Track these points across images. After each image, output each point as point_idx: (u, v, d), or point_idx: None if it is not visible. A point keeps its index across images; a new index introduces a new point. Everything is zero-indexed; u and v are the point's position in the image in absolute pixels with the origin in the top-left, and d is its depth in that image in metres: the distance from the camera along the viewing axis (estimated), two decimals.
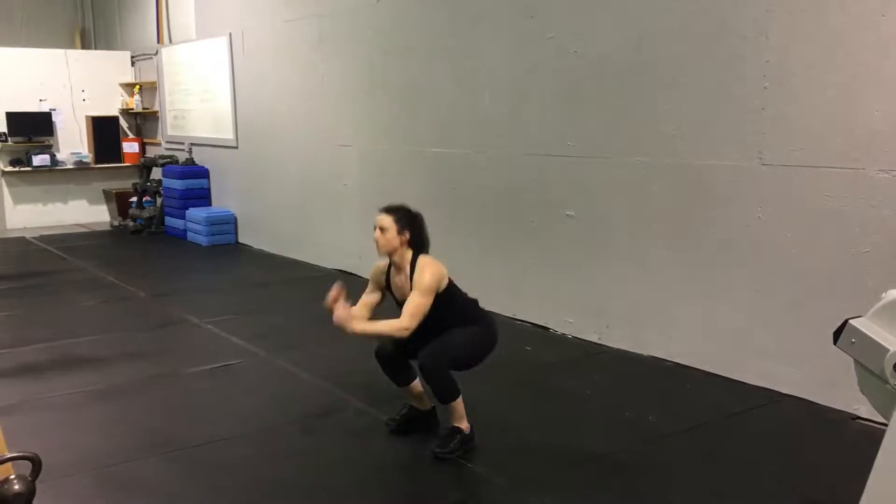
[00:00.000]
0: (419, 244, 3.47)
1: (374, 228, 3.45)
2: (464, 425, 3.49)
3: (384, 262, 3.54)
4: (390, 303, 3.52)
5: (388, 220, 3.43)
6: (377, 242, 3.46)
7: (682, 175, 4.46)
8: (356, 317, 3.37)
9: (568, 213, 5.15)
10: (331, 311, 3.33)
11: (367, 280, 3.65)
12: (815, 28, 3.81)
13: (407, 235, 3.43)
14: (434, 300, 3.34)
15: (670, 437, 3.62)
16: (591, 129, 4.94)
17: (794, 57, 3.90)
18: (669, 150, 4.51)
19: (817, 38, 3.81)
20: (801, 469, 3.29)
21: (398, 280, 3.49)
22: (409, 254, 3.45)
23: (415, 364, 3.49)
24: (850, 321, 2.36)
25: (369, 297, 3.56)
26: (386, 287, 3.54)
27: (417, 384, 3.63)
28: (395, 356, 3.56)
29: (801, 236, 3.96)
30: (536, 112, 5.28)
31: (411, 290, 3.36)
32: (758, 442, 3.56)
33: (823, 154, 3.83)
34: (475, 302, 3.62)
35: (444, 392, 3.42)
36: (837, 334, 2.39)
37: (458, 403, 3.46)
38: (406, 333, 3.28)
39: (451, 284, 3.46)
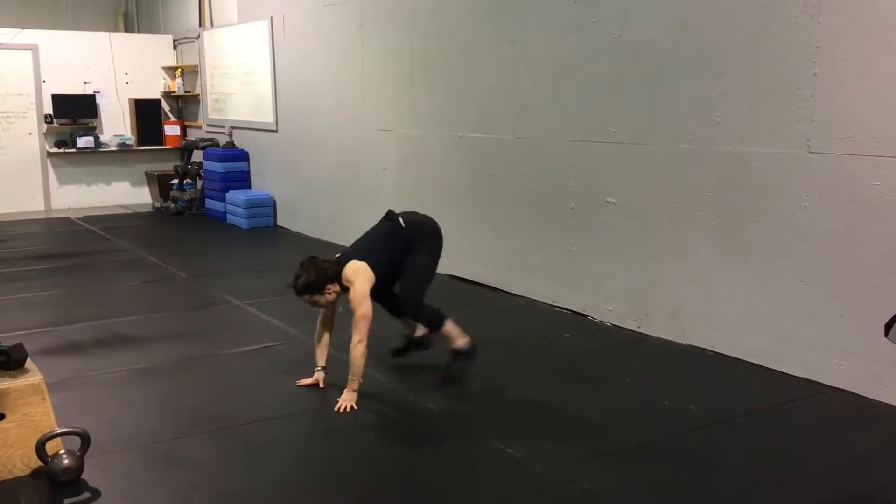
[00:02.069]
0: (333, 277, 3.77)
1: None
2: (460, 344, 4.05)
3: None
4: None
5: (310, 297, 3.79)
6: (324, 308, 3.92)
7: (726, 162, 4.40)
8: (347, 396, 3.77)
9: (609, 199, 5.10)
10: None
11: None
12: (868, 13, 3.72)
13: (332, 287, 3.78)
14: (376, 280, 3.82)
15: (711, 427, 3.59)
16: (634, 115, 4.88)
17: (846, 43, 3.81)
18: (714, 138, 4.44)
19: (870, 24, 3.72)
20: (846, 463, 3.24)
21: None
22: (337, 287, 3.80)
23: None
24: None
25: (325, 315, 4.01)
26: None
27: None
28: (388, 298, 4.12)
29: (849, 226, 3.88)
30: (578, 97, 5.24)
31: (349, 298, 3.77)
32: (801, 434, 3.51)
33: (874, 142, 3.75)
34: (396, 227, 4.04)
35: (431, 322, 4.05)
36: (889, 327, 2.35)
37: (449, 327, 4.04)
38: (363, 343, 3.71)
39: (373, 266, 3.81)
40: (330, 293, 3.79)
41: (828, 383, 4.00)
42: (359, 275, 3.77)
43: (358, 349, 3.71)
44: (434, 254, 4.08)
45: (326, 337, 4.04)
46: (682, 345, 4.71)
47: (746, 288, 4.37)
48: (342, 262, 3.83)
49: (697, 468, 3.20)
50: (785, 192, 4.13)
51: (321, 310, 3.97)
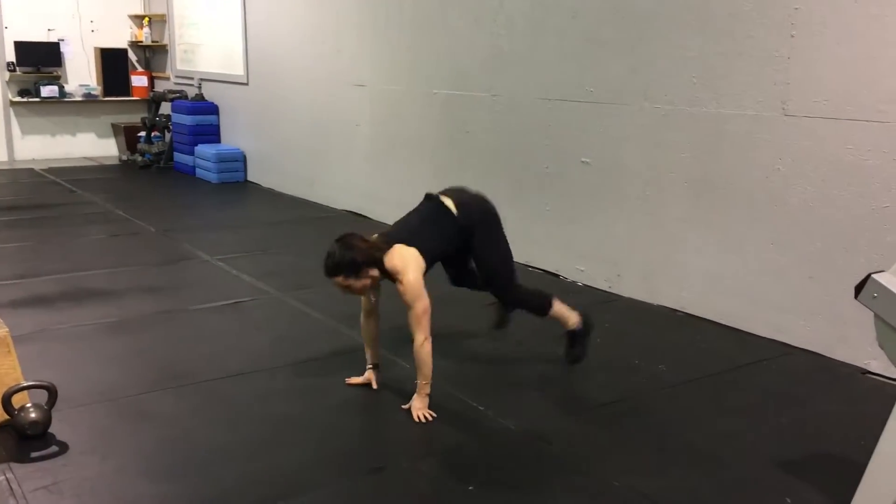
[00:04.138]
0: (374, 259, 3.21)
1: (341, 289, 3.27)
2: (571, 324, 3.74)
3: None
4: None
5: (342, 280, 3.19)
6: (354, 294, 3.32)
7: (701, 124, 4.40)
8: (419, 404, 3.27)
9: (583, 159, 5.09)
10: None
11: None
12: None
13: (371, 271, 3.20)
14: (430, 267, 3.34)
15: (679, 386, 3.63)
16: (610, 75, 4.85)
17: (825, 4, 3.80)
18: (690, 99, 4.43)
19: None
20: (810, 421, 3.31)
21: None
22: (376, 272, 3.23)
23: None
24: (873, 275, 2.34)
25: (367, 306, 3.49)
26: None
27: None
28: (464, 277, 3.81)
29: (821, 190, 3.91)
30: (555, 56, 5.19)
31: (401, 292, 3.23)
32: (767, 393, 3.57)
33: (849, 106, 3.76)
34: (445, 210, 3.45)
35: (537, 309, 3.69)
36: (859, 288, 2.36)
37: (556, 309, 3.70)
38: (429, 341, 3.21)
39: (423, 252, 3.28)
40: (366, 278, 3.20)
41: (794, 344, 4.07)
42: (409, 263, 3.20)
43: (425, 349, 3.19)
44: (501, 234, 3.59)
45: (374, 331, 3.53)
46: (652, 305, 4.75)
47: (717, 249, 4.41)
48: (387, 244, 3.26)
49: (666, 426, 3.24)
50: (758, 155, 4.15)
51: (361, 300, 3.48)
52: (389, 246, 3.25)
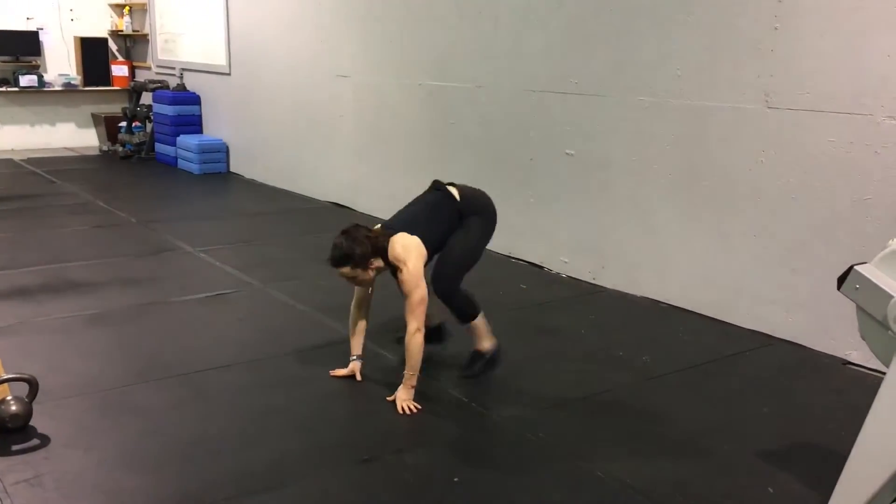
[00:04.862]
0: (379, 250, 3.25)
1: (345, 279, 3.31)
2: (485, 346, 3.58)
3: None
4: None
5: (348, 271, 3.24)
6: (358, 286, 3.40)
7: (685, 116, 4.41)
8: (404, 395, 3.28)
9: (568, 151, 5.10)
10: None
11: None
12: None
13: (375, 262, 3.26)
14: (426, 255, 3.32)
15: (663, 377, 3.65)
16: (595, 67, 4.85)
17: None
18: (674, 91, 4.44)
19: None
20: (792, 411, 3.34)
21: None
22: (381, 263, 3.29)
23: None
24: (856, 267, 2.36)
25: (361, 295, 3.49)
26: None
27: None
28: None
29: (803, 182, 3.93)
30: (540, 47, 5.18)
31: (401, 280, 3.25)
32: (750, 384, 3.60)
33: (831, 99, 3.78)
34: (448, 198, 3.48)
35: (461, 313, 3.51)
36: (842, 280, 2.38)
37: (478, 323, 3.54)
38: (421, 332, 3.22)
39: (426, 241, 3.31)
40: (372, 269, 3.26)
41: (777, 335, 4.10)
42: (411, 252, 3.24)
43: (416, 339, 3.20)
44: (485, 235, 3.55)
45: (363, 323, 3.53)
46: (636, 297, 4.77)
47: (700, 241, 4.43)
48: (388, 235, 3.29)
49: (649, 417, 3.26)
50: (741, 147, 4.17)
51: (356, 290, 3.46)
52: (390, 236, 3.29)
